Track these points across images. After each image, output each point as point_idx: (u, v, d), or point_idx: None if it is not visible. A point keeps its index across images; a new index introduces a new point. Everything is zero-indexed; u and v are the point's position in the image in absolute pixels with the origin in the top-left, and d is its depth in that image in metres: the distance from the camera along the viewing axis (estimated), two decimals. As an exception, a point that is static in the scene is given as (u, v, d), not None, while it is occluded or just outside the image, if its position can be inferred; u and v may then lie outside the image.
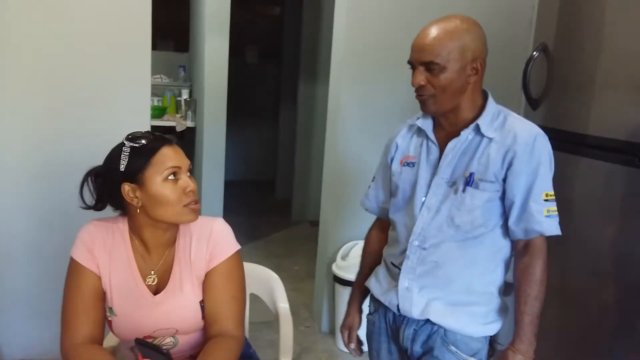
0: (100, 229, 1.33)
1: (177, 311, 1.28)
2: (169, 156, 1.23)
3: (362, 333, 1.57)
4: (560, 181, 1.28)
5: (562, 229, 1.26)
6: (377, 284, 1.48)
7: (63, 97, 2.28)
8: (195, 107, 4.17)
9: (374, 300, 1.49)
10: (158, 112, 4.20)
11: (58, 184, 2.33)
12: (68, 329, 1.26)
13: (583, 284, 1.76)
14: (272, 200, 5.54)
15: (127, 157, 1.22)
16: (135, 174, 1.22)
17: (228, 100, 3.82)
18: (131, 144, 1.23)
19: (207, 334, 1.30)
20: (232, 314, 1.29)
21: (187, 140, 4.59)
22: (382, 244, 1.51)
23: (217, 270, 1.30)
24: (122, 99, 2.35)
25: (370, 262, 1.55)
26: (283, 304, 1.55)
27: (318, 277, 3.00)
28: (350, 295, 1.59)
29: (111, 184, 1.25)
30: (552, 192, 1.27)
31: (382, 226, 1.53)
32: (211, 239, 1.31)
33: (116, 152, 1.26)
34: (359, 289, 1.56)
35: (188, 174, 1.26)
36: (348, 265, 2.55)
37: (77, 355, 1.22)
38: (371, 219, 1.60)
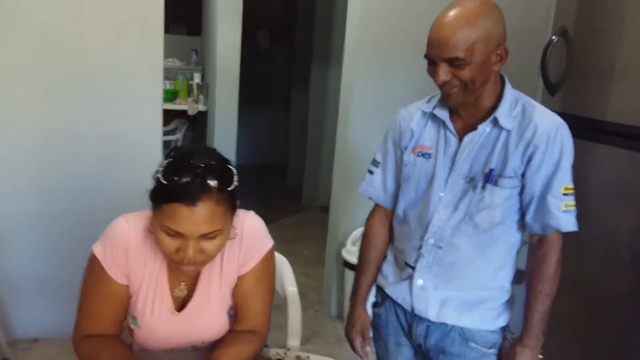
0: (138, 231, 1.17)
1: (202, 326, 1.22)
2: (175, 217, 1.03)
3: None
4: (577, 169, 1.24)
5: (579, 217, 1.23)
6: (380, 275, 1.45)
7: (75, 79, 2.28)
8: (207, 90, 4.17)
9: (381, 291, 1.45)
10: (170, 96, 4.20)
11: (68, 165, 2.35)
12: (82, 326, 1.18)
13: (598, 274, 1.73)
14: (283, 185, 5.54)
15: (155, 182, 1.08)
16: (153, 201, 1.09)
17: (240, 84, 3.81)
18: (161, 175, 1.05)
19: (232, 328, 1.25)
20: (260, 317, 1.24)
21: (199, 124, 4.60)
22: (386, 235, 1.45)
23: (249, 276, 1.22)
24: (134, 82, 2.35)
25: (376, 257, 1.45)
26: (291, 288, 1.53)
27: (328, 262, 3.00)
28: (354, 295, 1.48)
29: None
30: (572, 186, 1.22)
31: (385, 215, 1.45)
32: (243, 242, 1.21)
33: (165, 158, 1.10)
34: (366, 288, 1.47)
35: (209, 237, 1.07)
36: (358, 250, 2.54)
37: (90, 347, 1.15)
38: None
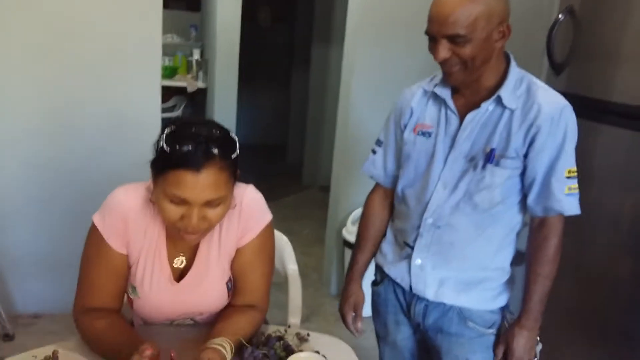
0: (137, 201, 1.16)
1: (201, 297, 1.22)
2: (180, 184, 1.03)
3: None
4: (581, 150, 1.23)
5: (581, 199, 1.22)
6: (379, 254, 1.45)
7: (74, 57, 2.25)
8: (207, 67, 4.12)
9: (380, 269, 1.45)
10: (169, 72, 4.15)
11: (67, 142, 2.34)
12: (82, 298, 1.18)
13: (600, 257, 1.73)
14: (282, 165, 5.53)
15: (157, 151, 1.07)
16: (155, 170, 1.08)
17: (240, 62, 3.76)
18: (163, 142, 1.05)
19: (232, 304, 1.25)
20: (259, 290, 1.25)
21: (199, 101, 4.56)
22: (385, 214, 1.45)
23: (247, 248, 1.22)
24: (132, 58, 2.32)
25: (373, 236, 1.46)
26: (292, 266, 1.54)
27: (328, 242, 3.01)
28: (350, 270, 1.50)
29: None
30: (575, 169, 1.21)
31: (385, 194, 1.45)
32: (242, 214, 1.20)
33: (163, 130, 1.08)
34: (362, 264, 1.48)
35: (213, 204, 1.08)
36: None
37: (90, 321, 1.14)
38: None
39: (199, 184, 1.03)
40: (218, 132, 1.09)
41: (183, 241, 1.18)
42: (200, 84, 4.10)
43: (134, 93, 2.36)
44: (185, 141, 1.03)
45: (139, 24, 2.29)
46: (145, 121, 2.36)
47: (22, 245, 2.39)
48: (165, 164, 1.04)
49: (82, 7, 2.21)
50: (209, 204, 1.07)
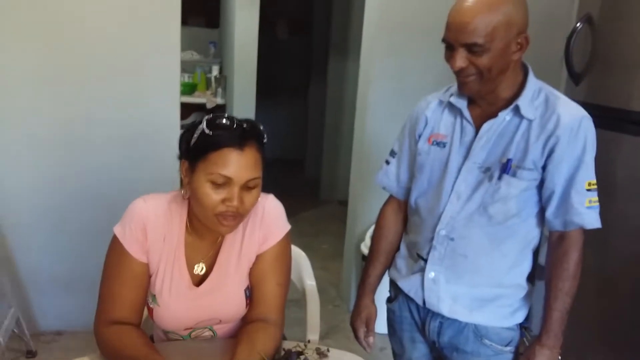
0: (156, 209, 1.20)
1: (219, 303, 1.23)
2: (225, 162, 1.09)
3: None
4: (601, 160, 1.21)
5: (602, 210, 1.19)
6: (393, 269, 1.43)
7: (91, 73, 2.29)
8: (225, 83, 4.17)
9: (394, 285, 1.43)
10: (188, 89, 4.21)
11: (86, 160, 2.36)
12: (103, 310, 1.19)
13: (621, 270, 1.69)
14: (300, 179, 5.52)
15: (196, 138, 1.12)
16: (194, 157, 1.13)
17: (257, 76, 3.80)
18: (204, 126, 1.11)
19: (247, 316, 1.26)
20: (275, 301, 1.24)
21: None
22: (398, 226, 1.43)
23: (267, 254, 1.25)
24: (151, 75, 2.35)
25: (385, 248, 1.44)
26: (310, 282, 1.52)
27: (347, 257, 2.99)
28: (362, 284, 1.47)
29: (180, 149, 1.18)
30: (595, 181, 1.18)
31: (399, 206, 1.43)
32: (264, 221, 1.24)
33: (198, 124, 1.15)
34: (374, 278, 1.45)
35: (250, 186, 1.13)
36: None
37: (110, 335, 1.15)
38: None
39: (242, 161, 1.10)
40: (246, 120, 1.17)
41: (203, 246, 1.22)
42: (219, 100, 4.15)
43: (153, 109, 2.39)
44: (225, 125, 1.12)
45: (157, 41, 2.31)
46: (165, 139, 2.38)
47: (43, 262, 2.42)
48: (208, 147, 1.10)
49: (100, 24, 2.24)
50: (247, 185, 1.12)
